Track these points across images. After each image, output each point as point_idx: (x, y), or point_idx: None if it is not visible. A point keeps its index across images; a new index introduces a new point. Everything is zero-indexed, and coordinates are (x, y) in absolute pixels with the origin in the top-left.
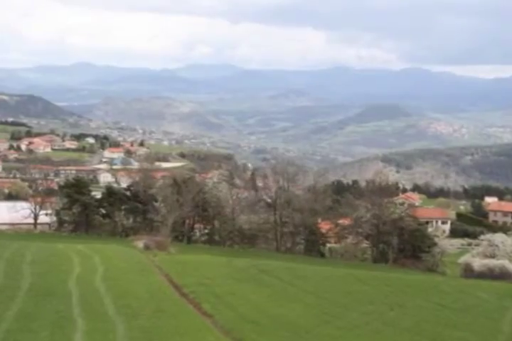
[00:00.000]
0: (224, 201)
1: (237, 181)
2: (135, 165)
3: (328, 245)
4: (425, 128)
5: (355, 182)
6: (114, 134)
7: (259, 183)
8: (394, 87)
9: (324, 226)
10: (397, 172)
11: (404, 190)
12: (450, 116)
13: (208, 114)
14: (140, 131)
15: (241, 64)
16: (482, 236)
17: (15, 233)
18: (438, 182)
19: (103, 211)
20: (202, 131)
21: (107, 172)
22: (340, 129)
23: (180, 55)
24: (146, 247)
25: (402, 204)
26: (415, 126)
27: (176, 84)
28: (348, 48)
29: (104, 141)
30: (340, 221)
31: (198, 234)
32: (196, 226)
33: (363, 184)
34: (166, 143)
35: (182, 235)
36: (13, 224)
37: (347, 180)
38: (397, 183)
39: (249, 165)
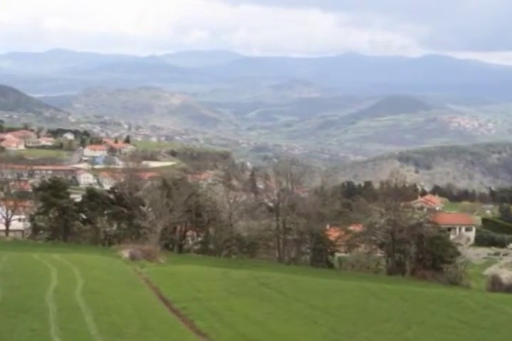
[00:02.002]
0: (220, 205)
1: (235, 182)
2: (120, 164)
3: (338, 255)
4: (447, 122)
5: (367, 183)
6: (95, 129)
7: (260, 185)
8: (412, 76)
9: (333, 233)
10: (416, 172)
11: (424, 193)
12: (475, 109)
13: (201, 106)
14: (125, 126)
15: (239, 50)
16: (511, 245)
17: None
18: (461, 184)
19: (83, 216)
20: (195, 126)
21: (88, 173)
22: (351, 124)
23: (171, 40)
24: (132, 257)
25: (421, 208)
26: (436, 120)
27: (165, 73)
28: (360, 32)
29: (85, 138)
30: (351, 227)
31: (190, 242)
32: (189, 233)
33: (376, 186)
34: (154, 139)
35: (173, 243)
36: None
37: (359, 182)
38: (415, 185)
39: (249, 164)
